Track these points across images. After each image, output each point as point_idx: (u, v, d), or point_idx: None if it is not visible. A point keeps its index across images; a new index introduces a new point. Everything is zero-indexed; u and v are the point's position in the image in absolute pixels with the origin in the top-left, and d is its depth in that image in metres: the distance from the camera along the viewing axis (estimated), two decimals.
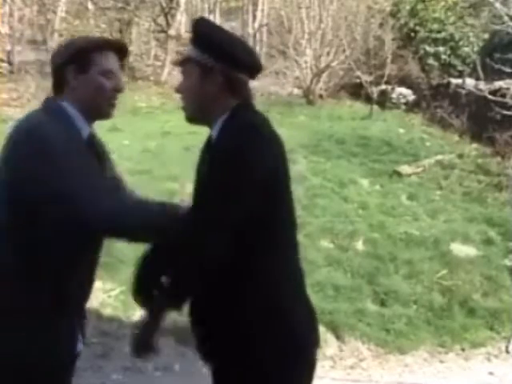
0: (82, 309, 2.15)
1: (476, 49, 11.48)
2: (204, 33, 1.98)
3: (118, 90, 2.08)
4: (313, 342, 1.99)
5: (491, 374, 4.83)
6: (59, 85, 2.07)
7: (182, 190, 6.37)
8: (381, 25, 11.86)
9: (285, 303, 1.91)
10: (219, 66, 1.93)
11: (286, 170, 1.93)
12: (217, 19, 13.74)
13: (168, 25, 12.47)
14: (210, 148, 1.98)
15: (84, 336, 2.17)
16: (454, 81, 10.62)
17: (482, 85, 9.31)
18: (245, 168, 1.81)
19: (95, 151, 2.09)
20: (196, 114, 2.00)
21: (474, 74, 10.13)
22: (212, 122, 1.98)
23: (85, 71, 2.03)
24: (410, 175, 7.98)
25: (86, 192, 1.89)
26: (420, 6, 11.93)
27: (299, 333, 1.91)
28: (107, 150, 2.21)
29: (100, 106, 2.07)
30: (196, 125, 2.06)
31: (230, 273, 1.86)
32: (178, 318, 5.39)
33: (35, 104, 2.24)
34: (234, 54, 1.95)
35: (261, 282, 1.88)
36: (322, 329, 3.62)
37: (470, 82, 10.11)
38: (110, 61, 2.08)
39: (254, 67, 2.02)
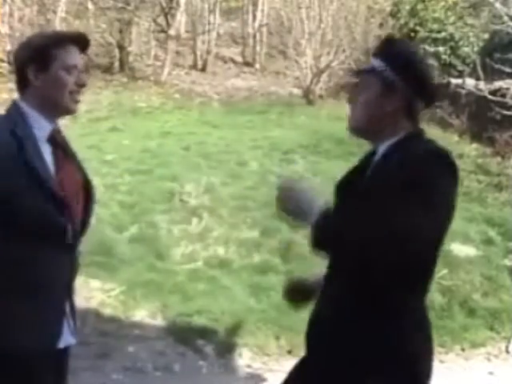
0: (59, 297, 2.06)
1: (476, 49, 11.47)
2: (398, 50, 1.92)
3: (80, 84, 2.04)
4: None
5: (491, 373, 4.83)
6: (22, 85, 2.05)
7: (181, 190, 6.37)
8: (381, 25, 11.85)
9: (414, 345, 1.92)
10: (402, 86, 1.87)
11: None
12: (217, 19, 13.73)
13: (168, 25, 12.44)
14: (369, 167, 1.92)
15: (73, 329, 2.10)
16: (454, 81, 10.59)
17: (482, 85, 9.29)
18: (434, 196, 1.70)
19: (60, 147, 2.06)
20: (365, 127, 1.95)
21: (474, 74, 10.11)
22: (378, 140, 1.93)
23: (46, 69, 2.00)
24: None
25: None
26: (420, 6, 11.92)
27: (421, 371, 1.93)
28: (72, 150, 2.16)
29: (63, 101, 2.03)
30: (359, 137, 2.01)
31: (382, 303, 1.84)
32: (178, 318, 5.38)
33: None
34: (424, 80, 1.90)
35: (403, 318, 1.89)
36: None
37: (470, 82, 10.09)
38: (71, 55, 2.04)
39: (433, 97, 1.96)
